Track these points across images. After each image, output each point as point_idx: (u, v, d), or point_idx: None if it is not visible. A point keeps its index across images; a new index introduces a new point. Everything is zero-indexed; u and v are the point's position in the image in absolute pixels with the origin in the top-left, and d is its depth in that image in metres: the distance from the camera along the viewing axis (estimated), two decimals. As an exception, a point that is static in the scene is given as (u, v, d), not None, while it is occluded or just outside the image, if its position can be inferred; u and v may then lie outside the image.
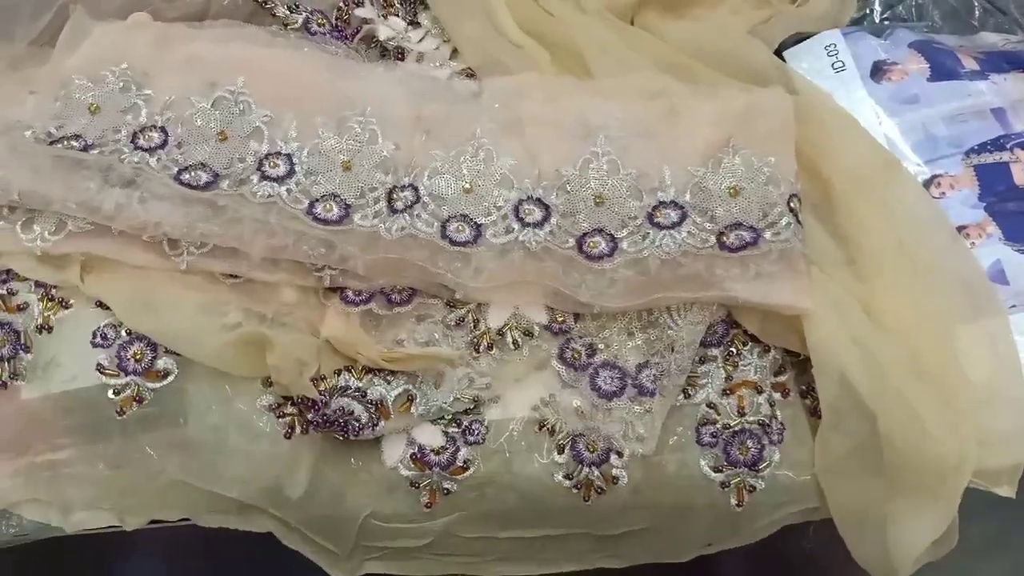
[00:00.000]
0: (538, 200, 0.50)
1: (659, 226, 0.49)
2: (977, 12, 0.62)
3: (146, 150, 0.49)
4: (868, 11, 0.62)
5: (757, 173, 0.49)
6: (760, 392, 0.48)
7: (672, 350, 0.47)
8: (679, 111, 0.52)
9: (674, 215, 0.49)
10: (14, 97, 0.52)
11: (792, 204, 0.48)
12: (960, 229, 0.49)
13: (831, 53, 0.55)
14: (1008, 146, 0.50)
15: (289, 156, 0.50)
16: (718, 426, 0.47)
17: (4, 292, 0.46)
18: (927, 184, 0.50)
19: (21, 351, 0.46)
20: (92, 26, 0.54)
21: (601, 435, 0.46)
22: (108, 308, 0.46)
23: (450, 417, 0.47)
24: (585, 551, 0.50)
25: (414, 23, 0.60)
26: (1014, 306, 0.48)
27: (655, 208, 0.49)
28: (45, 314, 0.46)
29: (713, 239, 0.48)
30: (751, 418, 0.47)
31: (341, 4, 0.59)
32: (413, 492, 0.46)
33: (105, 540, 0.47)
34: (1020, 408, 0.47)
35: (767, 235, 0.47)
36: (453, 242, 0.48)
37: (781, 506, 0.48)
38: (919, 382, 0.46)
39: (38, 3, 0.57)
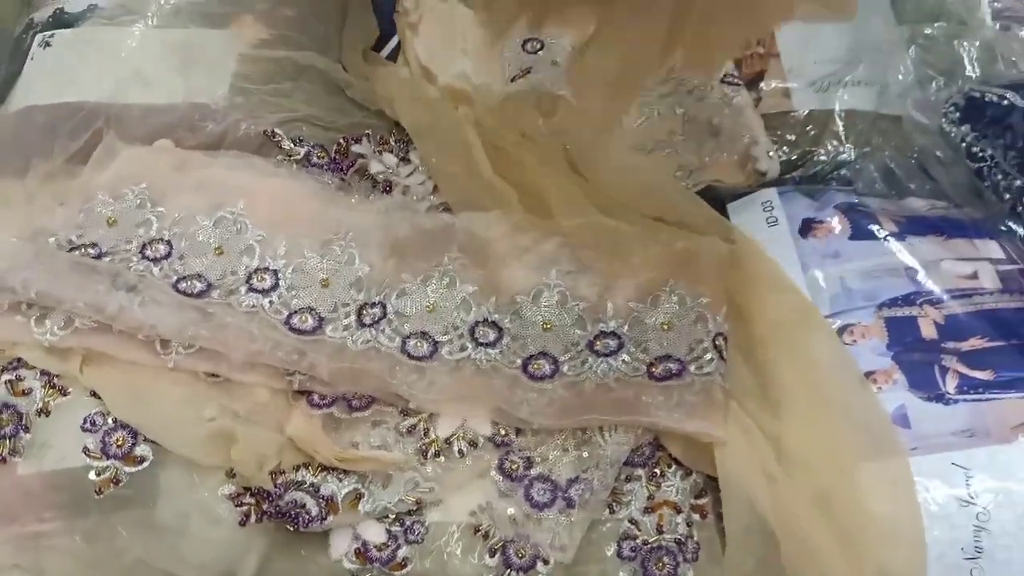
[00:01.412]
0: (493, 323, 0.56)
1: (598, 353, 0.54)
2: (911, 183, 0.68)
3: (151, 260, 0.56)
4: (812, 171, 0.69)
5: (689, 311, 0.55)
6: (679, 512, 0.52)
7: (598, 467, 0.51)
8: (625, 252, 0.58)
9: (612, 344, 0.55)
10: (46, 208, 0.60)
11: (717, 342, 0.54)
12: (868, 375, 0.54)
13: (766, 209, 0.61)
14: (918, 302, 0.56)
15: (276, 272, 0.57)
16: (638, 541, 0.51)
17: (13, 378, 0.53)
18: (841, 332, 0.55)
19: (22, 431, 0.51)
20: (120, 148, 0.62)
21: (530, 543, 0.51)
22: (100, 398, 0.52)
23: (394, 516, 0.51)
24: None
25: (405, 159, 0.67)
26: (915, 448, 0.52)
27: (596, 337, 0.55)
28: (46, 399, 0.52)
29: (644, 368, 0.53)
30: (668, 536, 0.51)
31: (341, 140, 0.67)
32: (355, 585, 0.50)
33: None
34: (919, 545, 0.50)
35: (691, 368, 0.53)
36: (411, 356, 0.54)
37: (693, 623, 0.51)
38: (822, 516, 0.50)
39: (76, 126, 0.66)
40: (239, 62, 0.72)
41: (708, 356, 0.53)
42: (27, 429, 0.52)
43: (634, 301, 0.56)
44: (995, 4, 0.74)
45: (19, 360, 0.54)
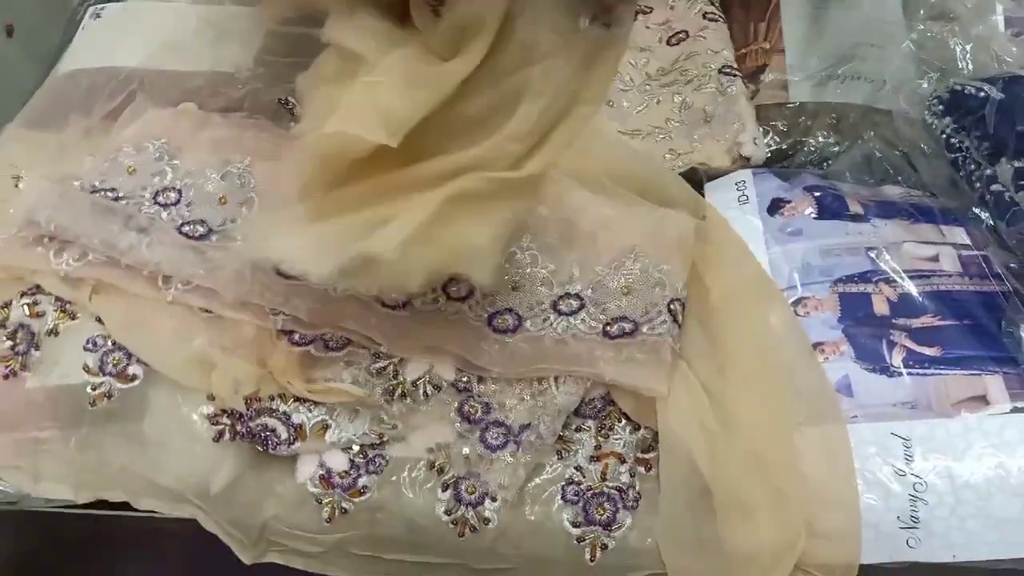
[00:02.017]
0: (466, 280, 0.60)
1: (560, 312, 0.58)
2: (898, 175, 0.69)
3: (162, 205, 0.62)
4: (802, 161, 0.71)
5: (648, 277, 0.58)
6: (623, 462, 0.55)
7: (547, 414, 0.55)
8: (599, 221, 0.61)
9: (575, 304, 0.58)
10: (78, 159, 0.67)
11: (672, 307, 0.56)
12: (816, 345, 0.56)
13: (739, 188, 0.64)
14: (873, 279, 0.58)
15: None
16: (582, 487, 0.54)
17: (31, 302, 0.59)
18: (795, 304, 0.57)
19: (32, 349, 0.58)
20: (147, 109, 0.69)
21: (481, 481, 0.54)
22: (104, 324, 0.58)
23: (358, 448, 0.56)
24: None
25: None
26: (855, 416, 0.54)
27: (560, 298, 0.58)
28: (56, 322, 0.58)
29: (600, 327, 0.56)
30: (611, 483, 0.54)
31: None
32: (317, 507, 0.55)
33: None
34: (852, 509, 0.52)
35: (644, 329, 0.56)
36: (384, 304, 0.58)
37: (631, 570, 0.54)
38: (757, 473, 0.52)
39: (114, 88, 0.73)
40: (266, 37, 0.78)
41: (661, 319, 0.56)
42: (37, 347, 0.58)
43: (600, 266, 0.59)
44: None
45: (37, 287, 0.60)
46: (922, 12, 0.77)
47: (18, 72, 0.95)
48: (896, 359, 0.55)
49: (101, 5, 0.83)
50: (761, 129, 0.72)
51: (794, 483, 0.52)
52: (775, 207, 0.62)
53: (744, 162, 0.70)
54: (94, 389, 0.56)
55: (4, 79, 0.94)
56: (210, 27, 0.80)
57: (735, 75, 0.75)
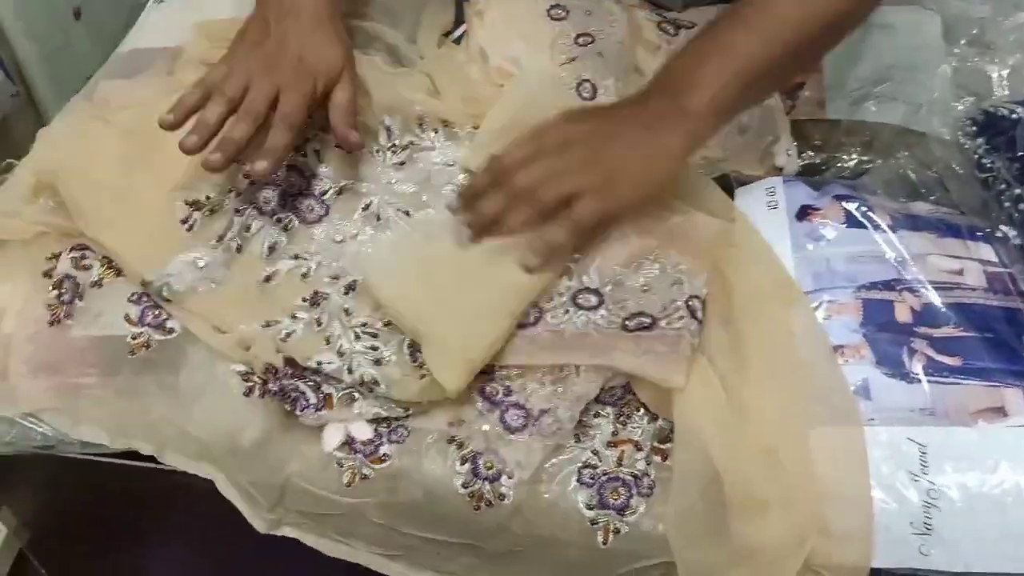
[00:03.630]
0: None
1: (579, 306, 0.59)
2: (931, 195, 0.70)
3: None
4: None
5: (668, 277, 0.59)
6: (640, 450, 0.56)
7: (566, 401, 0.56)
8: (623, 223, 0.62)
9: (594, 300, 0.59)
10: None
11: (691, 303, 0.57)
12: (837, 348, 0.56)
13: (769, 193, 0.65)
14: (897, 288, 0.58)
15: None
16: (597, 471, 0.55)
17: (79, 255, 0.62)
18: (818, 307, 0.58)
19: (77, 299, 0.60)
20: None
21: (499, 457, 0.55)
22: (147, 283, 0.61)
23: (383, 418, 0.57)
24: (473, 566, 0.58)
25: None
26: (872, 419, 0.54)
27: (579, 292, 0.59)
28: (101, 275, 0.61)
29: (619, 321, 0.58)
30: (627, 469, 0.55)
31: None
32: (338, 470, 0.56)
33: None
34: (865, 511, 0.52)
35: (662, 323, 0.57)
36: None
37: (641, 556, 0.54)
38: (770, 469, 0.53)
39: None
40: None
41: (679, 314, 0.57)
42: (81, 298, 0.61)
43: (619, 265, 0.60)
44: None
45: (86, 245, 0.63)
46: (963, 41, 0.78)
47: (85, 54, 1.00)
48: (916, 366, 0.55)
49: (165, -9, 0.87)
50: (795, 143, 0.73)
51: (806, 481, 0.52)
52: (803, 213, 0.63)
53: (776, 172, 0.71)
54: (134, 339, 0.58)
55: (72, 60, 0.99)
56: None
57: None
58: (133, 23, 0.87)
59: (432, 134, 0.70)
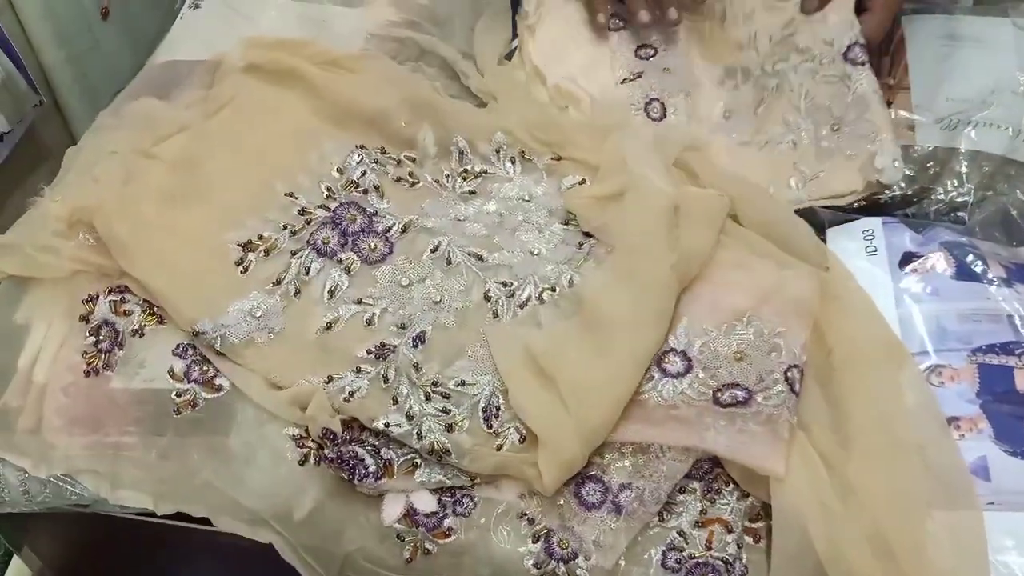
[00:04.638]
0: None
1: (665, 372, 0.53)
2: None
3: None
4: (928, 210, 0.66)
5: (764, 343, 0.53)
6: (731, 531, 0.51)
7: (652, 479, 0.51)
8: (711, 278, 0.57)
9: (681, 365, 0.53)
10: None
11: (789, 375, 0.52)
12: (951, 420, 0.51)
13: (867, 237, 0.59)
14: (1016, 352, 0.53)
15: None
16: (684, 554, 0.50)
17: (118, 299, 0.57)
18: (928, 372, 0.53)
19: (116, 348, 0.56)
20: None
21: (575, 535, 0.51)
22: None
23: (447, 487, 0.52)
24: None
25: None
26: (992, 503, 0.49)
27: (665, 354, 0.54)
28: (143, 323, 0.56)
29: (710, 393, 0.52)
30: (717, 553, 0.50)
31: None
32: (399, 544, 0.52)
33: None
34: (983, 607, 0.48)
35: (759, 398, 0.51)
36: None
37: (733, 649, 0.50)
38: (877, 558, 0.47)
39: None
40: (366, 40, 0.76)
41: (778, 388, 0.51)
42: (121, 346, 0.56)
43: (709, 325, 0.55)
44: None
45: (126, 287, 0.58)
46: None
47: (113, 55, 0.95)
48: (1041, 444, 0.50)
49: (201, -4, 0.81)
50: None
51: (919, 572, 0.47)
52: (906, 261, 0.57)
53: (879, 188, 0.64)
54: (179, 396, 0.53)
55: (100, 62, 0.94)
56: (312, 24, 0.78)
57: (863, 63, 0.67)
58: (165, 23, 0.81)
59: (509, 164, 0.65)
